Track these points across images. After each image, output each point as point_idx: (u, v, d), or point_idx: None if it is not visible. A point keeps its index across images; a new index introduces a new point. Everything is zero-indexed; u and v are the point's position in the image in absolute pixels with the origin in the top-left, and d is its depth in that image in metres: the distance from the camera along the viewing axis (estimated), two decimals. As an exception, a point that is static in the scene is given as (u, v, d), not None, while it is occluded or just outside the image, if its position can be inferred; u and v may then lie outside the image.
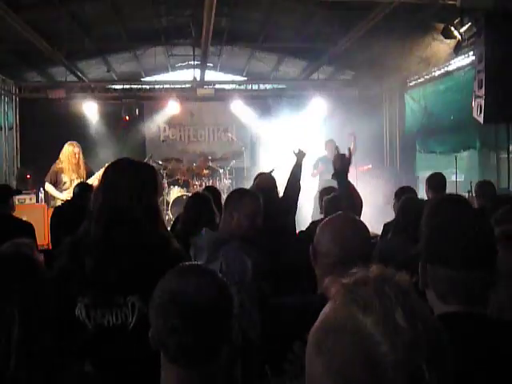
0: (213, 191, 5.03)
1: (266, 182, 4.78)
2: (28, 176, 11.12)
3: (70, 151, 7.82)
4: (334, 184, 4.28)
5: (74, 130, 11.65)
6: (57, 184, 7.81)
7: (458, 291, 1.53)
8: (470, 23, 7.01)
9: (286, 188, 4.95)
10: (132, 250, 2.23)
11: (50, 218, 5.51)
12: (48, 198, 8.65)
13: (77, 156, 7.83)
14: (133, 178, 2.36)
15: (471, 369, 1.39)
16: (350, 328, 0.81)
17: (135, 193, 2.32)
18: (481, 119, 6.88)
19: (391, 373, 0.77)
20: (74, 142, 8.06)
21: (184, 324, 1.41)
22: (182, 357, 1.43)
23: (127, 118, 12.26)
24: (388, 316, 0.80)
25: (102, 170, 8.01)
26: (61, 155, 7.89)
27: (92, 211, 2.32)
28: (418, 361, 0.78)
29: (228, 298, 1.49)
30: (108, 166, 2.51)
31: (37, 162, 10.51)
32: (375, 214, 7.42)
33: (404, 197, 4.30)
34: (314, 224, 4.54)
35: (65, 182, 7.78)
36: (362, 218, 4.42)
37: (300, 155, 5.16)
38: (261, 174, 5.07)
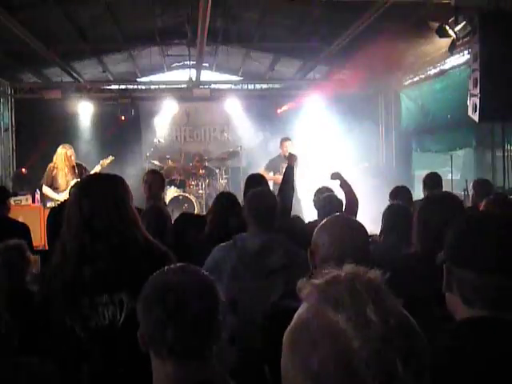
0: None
1: (257, 183, 4.78)
2: (23, 170, 11.10)
3: (63, 154, 7.84)
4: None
5: (70, 130, 11.67)
6: (53, 186, 7.83)
7: (486, 296, 1.46)
8: (464, 22, 7.02)
9: (279, 190, 5.01)
10: (112, 250, 2.23)
11: (46, 219, 5.50)
12: (44, 198, 8.64)
13: (70, 158, 7.84)
14: (109, 194, 2.35)
15: (497, 374, 1.36)
16: (323, 326, 0.81)
17: (114, 209, 2.31)
18: (476, 118, 6.89)
19: (365, 368, 0.76)
20: (67, 145, 8.07)
21: (172, 317, 1.44)
22: (171, 351, 1.44)
23: (123, 117, 12.25)
24: (359, 312, 0.79)
25: (95, 169, 8.00)
26: (54, 158, 7.91)
27: (69, 233, 2.30)
28: (391, 355, 0.76)
29: (213, 293, 1.53)
30: (80, 184, 2.52)
31: (33, 163, 10.50)
32: (373, 214, 7.42)
33: (389, 204, 4.31)
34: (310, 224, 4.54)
35: (61, 184, 7.79)
36: (359, 217, 4.46)
37: (291, 158, 5.25)
38: (252, 176, 5.08)
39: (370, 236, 3.18)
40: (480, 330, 1.46)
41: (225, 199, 4.31)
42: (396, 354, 0.77)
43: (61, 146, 8.04)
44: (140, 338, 1.48)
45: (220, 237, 3.66)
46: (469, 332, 1.48)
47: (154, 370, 1.48)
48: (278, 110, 12.70)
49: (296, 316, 0.88)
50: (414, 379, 0.78)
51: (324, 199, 4.58)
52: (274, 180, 8.80)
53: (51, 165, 7.91)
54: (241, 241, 3.11)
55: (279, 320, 1.97)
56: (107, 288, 2.18)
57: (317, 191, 5.48)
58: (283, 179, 5.13)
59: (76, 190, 2.44)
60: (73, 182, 7.19)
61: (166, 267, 1.59)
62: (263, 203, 3.26)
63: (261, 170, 8.97)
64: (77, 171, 7.83)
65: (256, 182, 4.83)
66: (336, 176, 5.32)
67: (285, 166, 9.10)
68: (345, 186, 5.09)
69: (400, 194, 4.99)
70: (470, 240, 1.54)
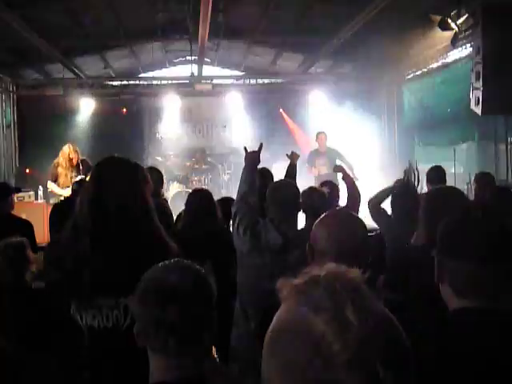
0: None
1: (263, 177, 4.78)
2: (27, 171, 11.13)
3: (66, 152, 7.91)
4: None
5: (72, 126, 11.68)
6: (57, 183, 7.88)
7: (476, 286, 1.49)
8: (467, 15, 6.99)
9: None
10: (125, 252, 2.18)
11: (49, 216, 5.51)
12: (47, 195, 8.67)
13: (72, 160, 7.89)
14: (126, 177, 2.31)
15: (488, 363, 1.37)
16: (302, 329, 0.79)
17: (129, 192, 2.27)
18: (479, 111, 6.87)
19: (344, 372, 0.74)
20: (71, 145, 8.11)
21: (169, 313, 1.46)
22: (169, 346, 1.46)
23: (124, 110, 12.27)
24: (338, 314, 0.77)
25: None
26: (60, 154, 7.98)
27: (81, 212, 2.26)
28: (371, 358, 0.75)
29: (207, 287, 1.55)
30: (98, 165, 2.45)
31: (35, 160, 10.51)
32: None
33: (395, 192, 4.24)
34: None
35: (62, 181, 7.83)
36: (362, 212, 4.44)
37: (293, 157, 5.27)
38: (258, 170, 5.07)
39: (370, 231, 3.15)
40: (468, 319, 1.47)
41: (198, 198, 4.32)
42: (376, 357, 0.75)
43: (66, 145, 8.11)
44: (137, 336, 1.51)
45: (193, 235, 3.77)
46: (457, 322, 1.50)
47: (151, 366, 1.50)
48: (280, 110, 12.70)
49: (275, 317, 0.86)
50: (397, 381, 0.76)
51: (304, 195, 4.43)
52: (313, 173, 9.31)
53: (56, 161, 7.96)
54: (265, 232, 3.12)
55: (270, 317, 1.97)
56: (113, 292, 2.15)
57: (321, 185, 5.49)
58: (284, 176, 5.14)
59: (94, 169, 2.42)
60: (76, 179, 7.21)
61: (161, 263, 1.61)
62: (287, 194, 3.28)
63: (307, 166, 9.17)
64: (81, 167, 7.87)
65: (261, 176, 4.83)
66: (339, 169, 5.37)
67: (319, 159, 9.38)
68: (347, 178, 5.08)
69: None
70: (459, 231, 1.57)
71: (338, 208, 2.75)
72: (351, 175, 5.38)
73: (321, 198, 4.06)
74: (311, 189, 4.28)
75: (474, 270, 1.48)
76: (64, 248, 2.23)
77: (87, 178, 7.56)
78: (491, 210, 3.64)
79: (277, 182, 3.56)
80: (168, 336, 1.46)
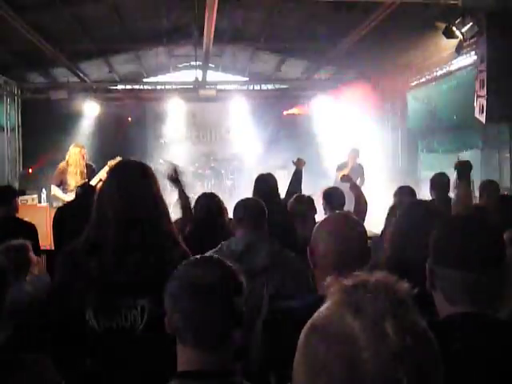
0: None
1: (267, 183, 4.81)
2: (30, 170, 11.16)
3: (77, 153, 7.82)
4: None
5: (76, 130, 11.71)
6: (62, 186, 7.79)
7: (466, 293, 1.52)
8: (471, 23, 6.99)
9: (287, 191, 5.08)
10: (144, 252, 2.20)
11: (52, 219, 5.52)
12: (50, 198, 8.67)
13: (84, 157, 7.84)
14: (144, 179, 2.33)
15: (480, 369, 1.38)
16: (337, 329, 0.79)
17: (147, 194, 2.29)
18: (483, 119, 6.87)
19: (369, 381, 0.74)
20: (80, 144, 8.08)
21: (190, 306, 1.47)
22: (192, 338, 1.48)
23: (129, 119, 12.28)
24: (377, 323, 0.76)
25: (104, 171, 7.93)
26: (67, 156, 7.87)
27: (99, 213, 2.26)
28: (399, 374, 0.74)
29: (236, 282, 1.54)
30: (115, 167, 2.46)
31: (39, 163, 10.54)
32: (379, 215, 7.39)
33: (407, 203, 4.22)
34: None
35: (70, 184, 7.76)
36: (368, 218, 4.48)
37: (299, 163, 5.35)
38: (262, 176, 5.10)
39: (370, 237, 3.16)
40: (460, 324, 1.49)
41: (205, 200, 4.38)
42: (404, 374, 0.74)
43: (74, 145, 8.01)
44: (166, 324, 1.52)
45: (202, 235, 3.85)
46: (446, 327, 1.50)
47: (178, 354, 1.52)
48: (285, 112, 12.71)
49: (317, 312, 0.86)
50: None
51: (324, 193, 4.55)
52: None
53: (62, 164, 7.87)
54: (226, 245, 3.18)
55: (278, 322, 1.96)
56: (132, 292, 2.16)
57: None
58: (290, 182, 5.23)
59: (111, 173, 2.42)
60: (80, 183, 7.17)
61: (191, 259, 1.65)
62: (249, 207, 3.37)
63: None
64: (85, 172, 7.82)
65: (264, 180, 4.86)
66: (346, 179, 5.41)
67: (344, 171, 9.38)
68: (354, 188, 5.11)
69: (403, 193, 4.94)
70: (450, 240, 1.60)
71: (338, 212, 2.76)
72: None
73: (341, 197, 4.26)
74: (331, 188, 4.49)
75: (465, 278, 1.51)
76: (86, 255, 2.22)
77: (91, 182, 7.54)
78: (493, 218, 3.64)
79: (241, 199, 3.62)
80: (191, 330, 1.47)
